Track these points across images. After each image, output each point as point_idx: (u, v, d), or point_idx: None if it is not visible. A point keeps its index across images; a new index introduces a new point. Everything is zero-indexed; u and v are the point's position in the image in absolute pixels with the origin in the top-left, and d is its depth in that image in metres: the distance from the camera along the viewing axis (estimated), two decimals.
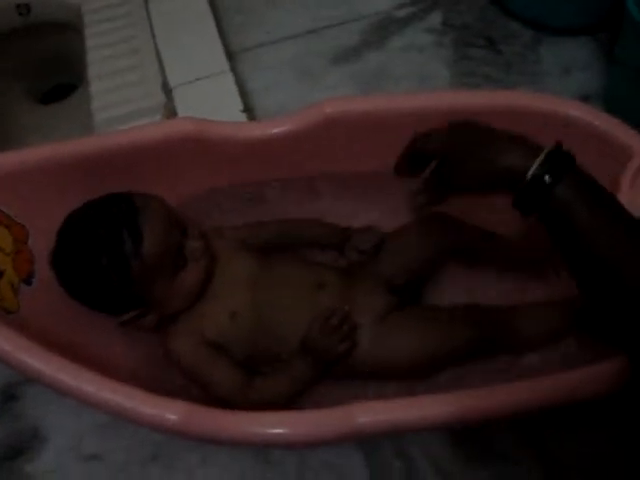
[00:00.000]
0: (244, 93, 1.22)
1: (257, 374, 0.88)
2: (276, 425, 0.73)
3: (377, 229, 0.98)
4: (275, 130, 0.94)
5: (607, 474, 0.88)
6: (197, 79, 1.20)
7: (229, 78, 1.20)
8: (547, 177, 0.65)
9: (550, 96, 0.96)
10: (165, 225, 0.83)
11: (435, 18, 1.35)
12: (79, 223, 0.84)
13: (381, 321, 0.88)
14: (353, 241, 0.97)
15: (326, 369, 0.86)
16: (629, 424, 0.87)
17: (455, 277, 0.98)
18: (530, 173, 0.65)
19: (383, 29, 1.33)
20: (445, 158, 0.76)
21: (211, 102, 1.16)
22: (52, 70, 1.51)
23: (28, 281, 0.89)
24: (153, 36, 1.28)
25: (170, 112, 1.16)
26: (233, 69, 1.21)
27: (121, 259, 0.80)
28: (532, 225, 0.98)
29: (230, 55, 1.26)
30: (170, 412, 0.73)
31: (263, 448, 0.92)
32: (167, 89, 1.19)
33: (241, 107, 1.14)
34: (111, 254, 0.80)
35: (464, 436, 0.91)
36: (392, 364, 0.87)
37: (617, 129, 0.91)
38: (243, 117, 1.13)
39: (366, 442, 0.92)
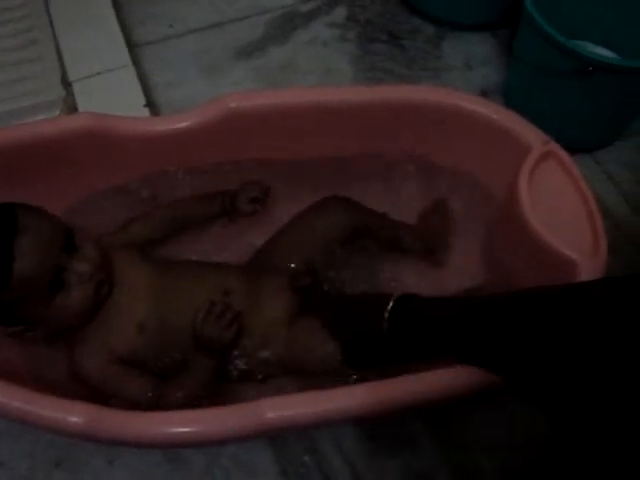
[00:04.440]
0: (147, 87, 1.20)
1: (167, 381, 0.86)
2: (183, 424, 0.72)
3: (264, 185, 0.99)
4: (177, 125, 0.93)
5: (512, 453, 0.92)
6: (98, 73, 1.17)
7: (131, 72, 1.18)
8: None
9: (450, 90, 0.98)
10: (42, 249, 0.80)
11: (339, 13, 1.36)
12: None
13: (291, 323, 0.90)
14: (242, 193, 0.98)
15: (222, 359, 0.87)
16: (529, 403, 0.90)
17: (360, 262, 0.99)
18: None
19: (288, 23, 1.33)
20: None
21: (113, 96, 1.14)
22: None
23: None
24: (52, 27, 1.24)
25: (70, 107, 1.13)
26: (135, 63, 1.20)
27: None
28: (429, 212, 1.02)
29: (132, 48, 1.24)
30: (73, 415, 0.71)
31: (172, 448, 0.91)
32: (67, 83, 1.16)
33: (144, 102, 1.12)
34: None
35: (372, 428, 0.92)
36: (307, 362, 0.88)
37: (515, 123, 0.94)
38: (146, 112, 1.12)
39: (276, 438, 0.92)
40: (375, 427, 0.93)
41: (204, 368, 0.85)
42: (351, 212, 0.97)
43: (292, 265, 0.94)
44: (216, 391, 0.87)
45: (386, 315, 0.81)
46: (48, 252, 0.80)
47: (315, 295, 0.92)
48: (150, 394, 0.84)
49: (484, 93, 1.25)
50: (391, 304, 0.81)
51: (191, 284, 0.91)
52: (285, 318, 0.90)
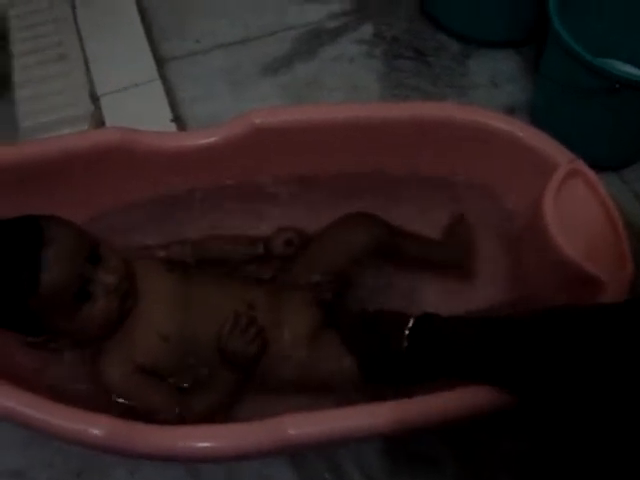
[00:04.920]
0: (174, 102, 1.21)
1: (189, 392, 0.87)
2: (205, 438, 0.72)
3: (298, 229, 0.99)
4: (204, 140, 0.94)
5: (531, 472, 0.91)
6: (126, 87, 1.18)
7: (158, 87, 1.19)
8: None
9: (475, 107, 0.98)
10: (68, 260, 0.81)
11: (366, 30, 1.36)
12: None
13: (313, 337, 0.90)
14: (276, 238, 0.98)
15: (246, 373, 0.87)
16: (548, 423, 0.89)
17: (383, 279, 0.99)
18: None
19: (314, 39, 1.34)
20: None
21: (140, 111, 1.15)
22: None
23: None
24: (81, 42, 1.26)
25: (98, 121, 1.14)
26: (163, 78, 1.21)
27: (18, 290, 0.79)
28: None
29: (160, 63, 1.25)
30: (95, 427, 0.71)
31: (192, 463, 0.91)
32: (95, 97, 1.17)
33: (171, 116, 1.13)
34: (8, 283, 0.79)
35: (393, 444, 0.92)
36: (326, 378, 0.88)
37: (542, 141, 0.94)
38: (173, 127, 1.12)
39: (297, 455, 0.92)
40: (396, 446, 0.92)
41: (227, 381, 0.86)
42: (374, 227, 0.97)
43: (315, 280, 0.94)
44: (236, 405, 0.87)
45: (406, 333, 0.81)
46: (74, 263, 0.81)
47: (336, 310, 0.92)
48: (172, 405, 0.84)
49: (510, 111, 1.24)
50: (411, 323, 0.82)
51: (216, 296, 0.91)
52: (307, 333, 0.90)
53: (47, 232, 0.80)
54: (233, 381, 0.86)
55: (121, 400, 0.85)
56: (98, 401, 0.85)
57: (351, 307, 0.94)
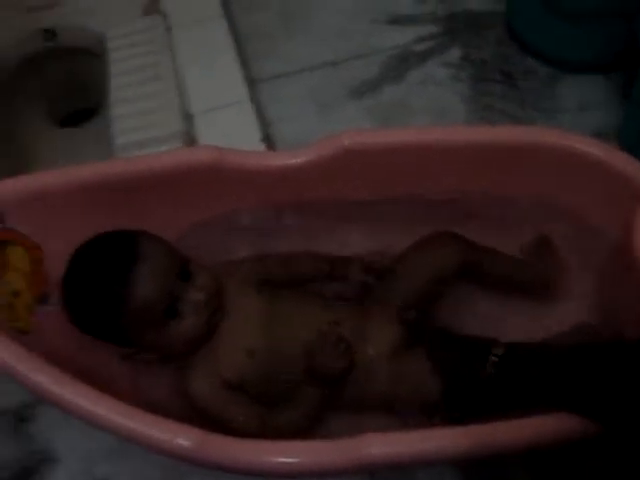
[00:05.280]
0: (263, 122, 1.23)
1: (272, 408, 0.88)
2: (290, 454, 0.73)
3: (386, 253, 0.99)
4: (293, 160, 0.95)
5: None
6: (218, 107, 1.21)
7: (249, 107, 1.21)
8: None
9: (564, 131, 0.96)
10: (159, 277, 0.83)
11: (454, 53, 1.37)
12: (82, 259, 0.86)
13: (397, 355, 0.89)
14: (357, 264, 0.98)
15: (331, 390, 0.87)
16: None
17: (464, 299, 0.99)
18: None
19: (402, 63, 1.35)
20: None
21: (231, 130, 1.18)
22: (73, 94, 1.53)
23: (42, 302, 0.89)
24: (175, 63, 1.29)
25: (190, 139, 1.17)
26: (253, 98, 1.23)
27: (110, 302, 0.82)
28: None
29: (251, 84, 1.28)
30: (183, 438, 0.73)
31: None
32: (188, 116, 1.21)
33: (260, 136, 1.16)
34: (102, 296, 0.82)
35: (475, 468, 0.91)
36: (409, 397, 0.88)
37: (631, 166, 0.91)
38: (262, 146, 1.15)
39: (376, 476, 0.92)
40: (475, 470, 0.91)
41: (312, 397, 0.86)
42: (460, 246, 0.96)
43: (399, 299, 0.94)
44: (318, 424, 0.88)
45: (493, 360, 0.80)
46: (165, 280, 0.83)
47: (422, 330, 0.92)
48: (255, 420, 0.85)
49: (597, 135, 1.22)
50: (500, 351, 0.81)
51: (300, 313, 0.92)
52: (390, 351, 0.90)
53: (140, 248, 0.83)
54: (318, 397, 0.86)
55: (204, 414, 0.86)
56: (180, 414, 0.86)
57: (437, 326, 0.94)
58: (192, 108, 1.22)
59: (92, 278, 0.83)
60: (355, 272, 0.97)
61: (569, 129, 0.99)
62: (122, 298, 0.81)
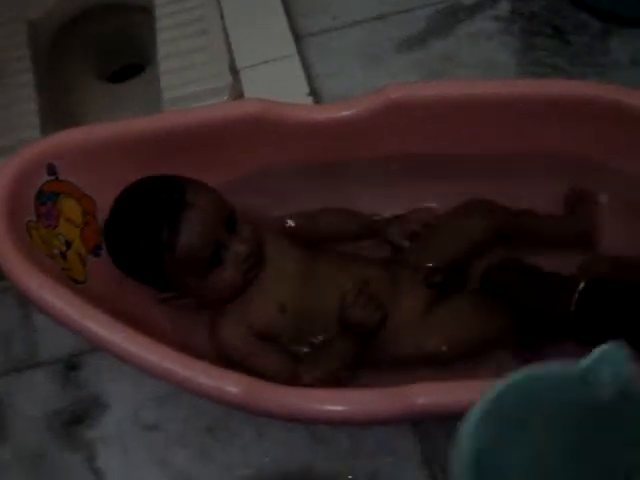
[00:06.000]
0: (310, 77, 1.23)
1: (305, 360, 0.90)
2: (337, 402, 0.74)
3: (422, 216, 1.00)
4: (341, 113, 0.95)
5: None
6: (264, 62, 1.21)
7: (296, 62, 1.21)
8: None
9: (616, 86, 0.94)
10: (206, 226, 0.84)
11: (504, 6, 1.34)
12: (129, 201, 0.88)
13: (425, 314, 0.91)
14: (395, 225, 0.99)
15: (365, 343, 0.88)
16: None
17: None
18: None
19: (450, 16, 1.32)
20: None
21: (277, 85, 1.18)
22: (121, 50, 1.54)
23: (96, 252, 0.91)
24: (222, 18, 1.29)
25: (237, 93, 1.18)
26: (300, 53, 1.23)
27: (155, 247, 0.83)
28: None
29: (297, 39, 1.27)
30: (232, 385, 0.74)
31: (316, 426, 0.93)
32: (234, 70, 1.21)
33: (307, 90, 1.15)
34: (148, 239, 0.84)
35: None
36: (437, 353, 0.89)
37: None
38: (309, 100, 1.15)
39: (420, 429, 0.93)
40: None
41: (347, 349, 0.87)
42: (493, 214, 0.97)
43: (430, 264, 0.94)
44: (352, 376, 0.89)
45: (575, 296, 0.81)
46: (213, 227, 0.85)
47: (500, 268, 0.93)
48: (287, 369, 0.87)
49: None
50: (582, 285, 0.81)
51: (334, 270, 0.94)
52: (421, 308, 0.91)
53: (190, 194, 0.84)
54: (352, 349, 0.87)
55: (234, 361, 0.88)
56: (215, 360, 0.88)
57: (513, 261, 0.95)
58: (239, 63, 1.22)
59: (140, 220, 0.85)
60: (391, 233, 0.98)
61: (622, 84, 0.97)
62: (169, 244, 0.83)
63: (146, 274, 0.89)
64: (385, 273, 0.93)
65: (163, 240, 0.83)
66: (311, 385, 0.84)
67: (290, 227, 1.00)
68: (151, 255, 0.84)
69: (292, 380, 0.85)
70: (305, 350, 0.91)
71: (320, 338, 0.91)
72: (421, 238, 0.97)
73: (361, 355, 0.88)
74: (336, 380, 0.87)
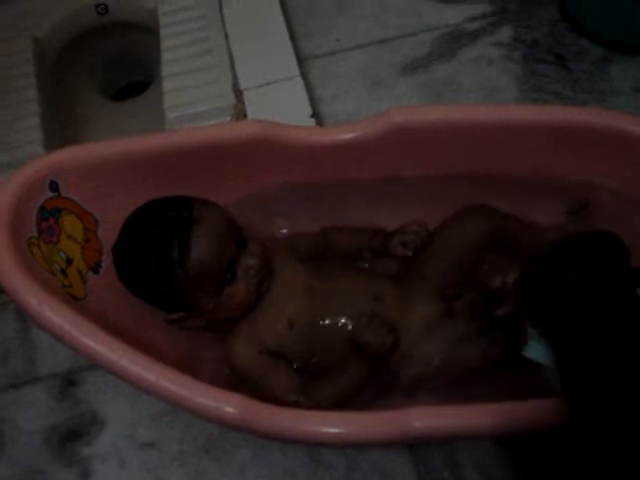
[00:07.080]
0: (313, 99, 1.23)
1: (311, 379, 0.89)
2: (334, 424, 0.74)
3: (422, 223, 0.99)
4: (344, 136, 0.95)
5: None
6: (268, 83, 1.22)
7: (299, 83, 1.22)
8: None
9: (617, 113, 0.95)
10: (217, 241, 0.84)
11: (505, 32, 1.35)
12: (138, 222, 0.88)
13: (432, 329, 0.90)
14: (395, 238, 0.98)
15: (376, 367, 0.87)
16: None
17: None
18: None
19: (453, 41, 1.34)
20: None
21: (280, 106, 1.18)
22: (126, 68, 1.55)
23: (96, 270, 0.91)
24: (226, 39, 1.30)
25: (240, 114, 1.18)
26: (303, 75, 1.24)
27: (166, 265, 0.83)
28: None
29: (301, 61, 1.28)
30: (230, 406, 0.74)
31: (313, 447, 0.93)
32: (238, 91, 1.22)
33: (310, 112, 1.16)
34: (158, 258, 0.83)
35: (511, 442, 0.91)
36: (443, 372, 0.88)
37: None
38: (312, 122, 1.15)
39: (415, 451, 0.93)
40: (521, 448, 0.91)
41: (357, 372, 0.87)
42: (491, 217, 0.97)
43: (437, 273, 0.94)
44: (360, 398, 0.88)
45: None
46: (224, 242, 0.85)
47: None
48: (297, 388, 0.86)
49: None
50: None
51: (343, 286, 0.93)
52: (429, 324, 0.90)
53: (197, 210, 0.85)
54: (362, 372, 0.87)
55: (244, 378, 0.88)
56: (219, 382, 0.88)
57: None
58: (242, 83, 1.22)
59: (149, 239, 0.85)
60: (393, 246, 0.98)
61: (623, 111, 0.97)
62: (181, 260, 0.83)
63: (158, 295, 0.87)
64: (396, 288, 0.93)
65: (174, 257, 0.83)
66: (318, 406, 0.84)
67: (294, 245, 0.99)
68: (163, 274, 0.84)
69: (299, 401, 0.85)
70: (315, 371, 0.90)
71: (325, 357, 0.90)
72: (426, 247, 0.97)
73: (370, 380, 0.88)
74: (344, 401, 0.86)
